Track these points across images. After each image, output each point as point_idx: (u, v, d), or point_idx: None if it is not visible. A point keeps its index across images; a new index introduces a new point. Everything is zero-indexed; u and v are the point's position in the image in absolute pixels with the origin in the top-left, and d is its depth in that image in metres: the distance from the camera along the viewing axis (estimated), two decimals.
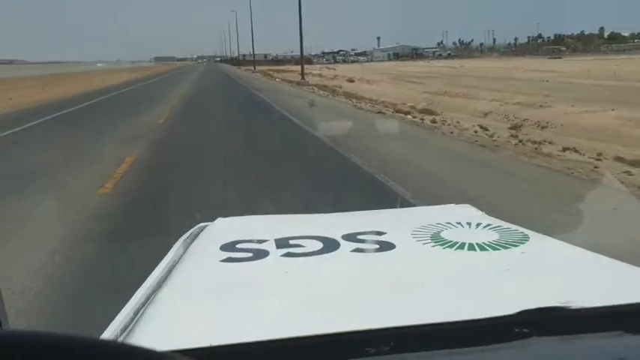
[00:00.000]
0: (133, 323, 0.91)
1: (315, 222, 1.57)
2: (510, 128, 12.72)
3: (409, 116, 14.47)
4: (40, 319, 3.13)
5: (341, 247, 1.18)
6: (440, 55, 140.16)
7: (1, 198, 5.89)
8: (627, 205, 5.04)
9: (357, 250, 1.16)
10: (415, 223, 1.35)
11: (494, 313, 0.79)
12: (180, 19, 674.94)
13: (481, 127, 12.41)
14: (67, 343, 0.39)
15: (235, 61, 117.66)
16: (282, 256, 1.14)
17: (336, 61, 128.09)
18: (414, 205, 4.31)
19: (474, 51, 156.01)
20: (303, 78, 33.07)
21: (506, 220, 1.36)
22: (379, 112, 15.14)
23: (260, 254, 1.15)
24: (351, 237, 1.23)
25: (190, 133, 11.42)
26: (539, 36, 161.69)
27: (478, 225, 1.33)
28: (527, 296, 0.84)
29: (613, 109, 14.80)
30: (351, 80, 36.90)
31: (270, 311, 0.87)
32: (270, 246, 1.20)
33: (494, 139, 10.25)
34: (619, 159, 7.55)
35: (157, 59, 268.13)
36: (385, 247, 1.17)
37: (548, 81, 28.63)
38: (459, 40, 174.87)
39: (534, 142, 9.92)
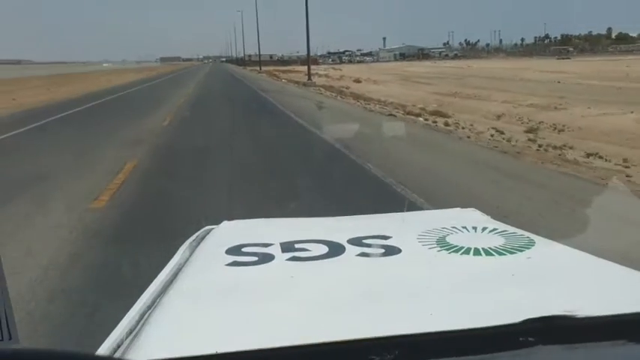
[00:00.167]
0: (139, 327, 0.91)
1: (320, 225, 1.56)
2: (526, 132, 12.33)
3: (421, 118, 14.07)
4: None
5: (346, 251, 1.17)
6: (446, 55, 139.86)
7: None
8: None
9: (363, 254, 1.15)
10: (421, 227, 1.33)
11: (499, 321, 0.78)
12: (187, 20, 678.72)
13: (497, 131, 12.00)
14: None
15: (241, 62, 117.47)
16: (287, 260, 1.13)
17: (341, 62, 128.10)
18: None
19: (481, 51, 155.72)
20: (309, 79, 32.67)
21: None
22: (390, 115, 14.72)
23: (265, 258, 1.14)
24: (356, 241, 1.22)
25: (195, 137, 10.93)
26: (546, 36, 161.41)
27: (484, 229, 1.32)
28: (532, 304, 0.83)
29: (632, 112, 14.36)
30: (358, 81, 36.62)
31: (275, 318, 0.87)
32: (275, 250, 1.19)
33: (512, 144, 9.84)
34: None
35: (163, 59, 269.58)
36: (391, 251, 1.17)
37: (559, 82, 28.23)
38: (465, 40, 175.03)
39: (555, 148, 9.52)
